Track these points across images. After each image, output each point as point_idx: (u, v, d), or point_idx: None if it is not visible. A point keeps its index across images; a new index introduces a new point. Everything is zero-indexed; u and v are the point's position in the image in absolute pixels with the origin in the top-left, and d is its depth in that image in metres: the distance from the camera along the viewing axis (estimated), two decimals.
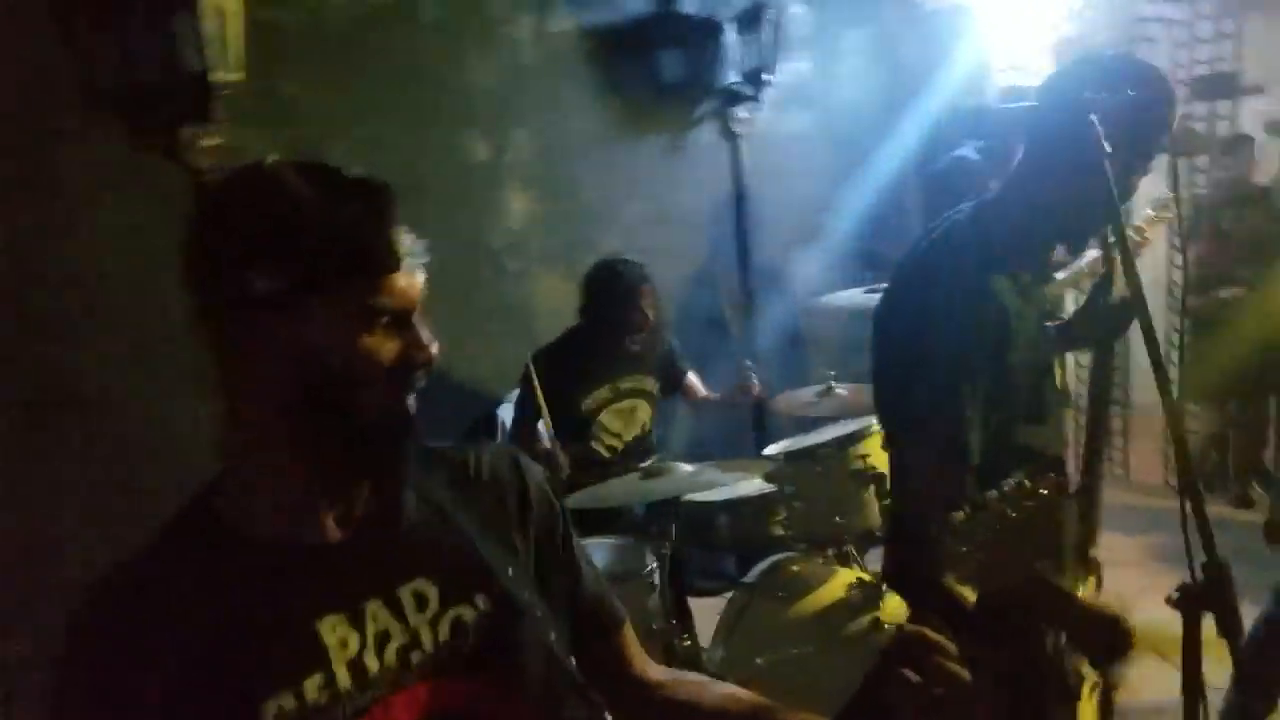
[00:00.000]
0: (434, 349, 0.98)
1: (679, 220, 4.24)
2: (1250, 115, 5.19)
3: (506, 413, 3.43)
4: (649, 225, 4.10)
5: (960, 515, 1.13)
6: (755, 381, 3.26)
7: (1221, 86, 5.31)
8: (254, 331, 0.93)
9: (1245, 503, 4.47)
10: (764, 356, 4.27)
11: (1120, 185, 1.45)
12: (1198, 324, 4.33)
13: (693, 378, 3.39)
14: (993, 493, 1.15)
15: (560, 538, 1.17)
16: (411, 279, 0.97)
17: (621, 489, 2.31)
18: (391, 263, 0.94)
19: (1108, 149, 1.36)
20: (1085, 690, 1.73)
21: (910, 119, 4.87)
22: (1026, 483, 1.17)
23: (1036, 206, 1.62)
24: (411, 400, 0.99)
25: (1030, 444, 1.68)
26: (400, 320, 0.96)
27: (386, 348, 0.95)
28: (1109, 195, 1.37)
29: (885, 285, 1.80)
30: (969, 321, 1.56)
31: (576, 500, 2.29)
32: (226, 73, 2.73)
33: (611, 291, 2.99)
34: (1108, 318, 1.75)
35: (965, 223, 1.67)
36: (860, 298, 3.06)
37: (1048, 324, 1.77)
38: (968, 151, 4.39)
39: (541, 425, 2.87)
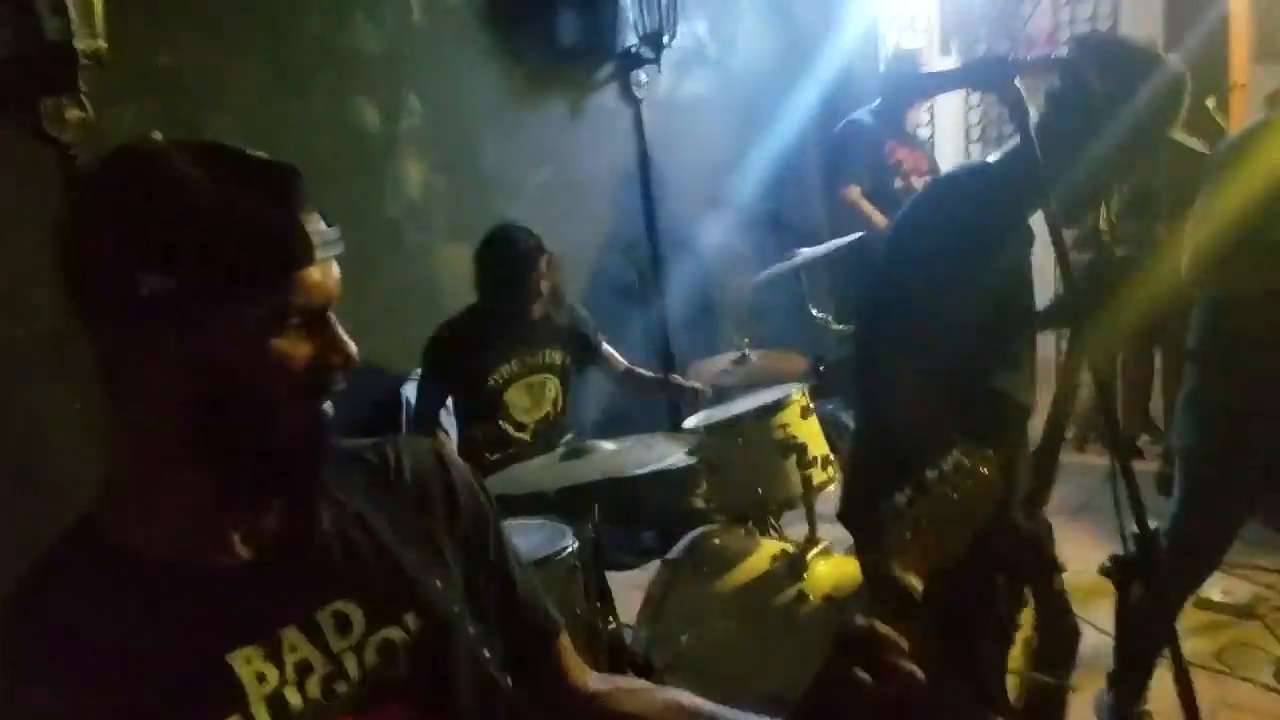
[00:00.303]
0: (352, 348, 0.89)
1: (584, 186, 4.15)
2: None
3: (411, 391, 3.32)
4: (553, 192, 4.00)
5: (901, 499, 1.12)
6: (701, 387, 3.17)
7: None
8: (144, 338, 0.82)
9: (1134, 453, 4.67)
10: (674, 324, 4.24)
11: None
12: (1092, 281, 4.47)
13: (608, 349, 3.32)
14: (932, 472, 1.14)
15: (492, 541, 1.09)
16: (326, 271, 0.86)
17: (541, 471, 2.24)
18: (303, 256, 0.83)
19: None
20: (1019, 637, 1.78)
21: (808, 81, 4.88)
22: (965, 461, 1.16)
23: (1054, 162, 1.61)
24: (327, 407, 0.90)
25: (1004, 389, 1.71)
26: (314, 319, 0.86)
27: (299, 351, 0.85)
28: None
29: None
30: (998, 245, 1.62)
31: (492, 484, 2.21)
32: (90, 40, 2.51)
33: (503, 260, 2.89)
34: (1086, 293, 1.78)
35: (967, 185, 1.72)
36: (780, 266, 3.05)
37: None
38: (862, 115, 4.43)
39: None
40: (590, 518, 2.29)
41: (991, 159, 1.75)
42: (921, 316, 1.61)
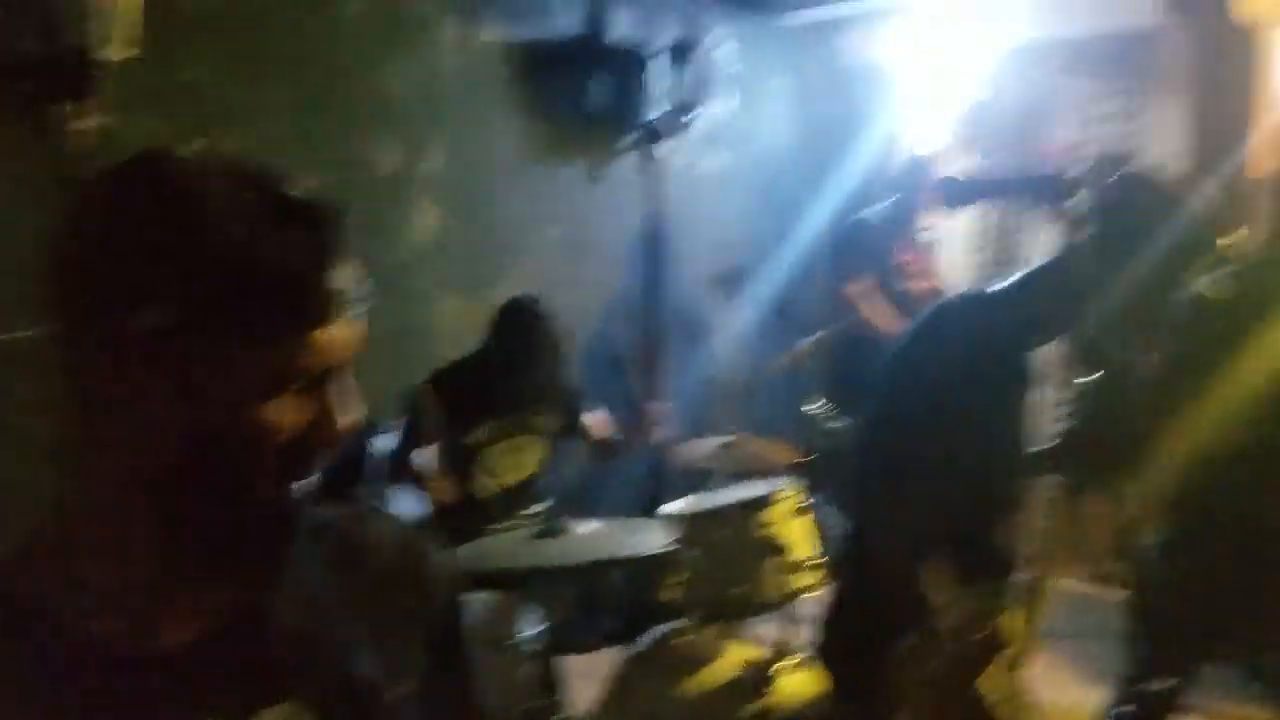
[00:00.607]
0: (355, 417, 0.78)
1: (594, 250, 4.12)
2: None
3: (384, 443, 3.23)
4: (563, 252, 3.97)
5: (914, 642, 1.06)
6: (660, 419, 3.12)
7: (1122, 163, 5.49)
8: (124, 377, 0.71)
9: (1105, 579, 4.57)
10: (671, 401, 4.17)
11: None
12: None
13: (589, 420, 3.25)
14: (946, 621, 1.08)
15: (454, 648, 1.00)
16: (349, 331, 0.75)
17: (514, 548, 2.14)
18: (327, 311, 0.72)
19: None
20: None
21: (824, 172, 4.89)
22: (977, 610, 1.10)
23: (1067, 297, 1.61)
24: (311, 482, 0.79)
25: (997, 536, 1.64)
26: (320, 381, 0.76)
27: (294, 417, 0.74)
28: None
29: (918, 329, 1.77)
30: (968, 419, 1.56)
31: (463, 555, 2.12)
32: (117, 50, 2.48)
33: (519, 338, 2.86)
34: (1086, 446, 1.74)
35: (971, 319, 1.67)
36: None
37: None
38: (872, 213, 4.43)
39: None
40: (557, 603, 2.19)
41: (997, 288, 1.69)
42: (913, 452, 1.55)
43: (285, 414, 0.74)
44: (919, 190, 4.38)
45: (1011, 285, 1.67)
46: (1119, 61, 5.35)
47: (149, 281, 0.69)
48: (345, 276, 0.75)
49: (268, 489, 0.77)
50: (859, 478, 1.77)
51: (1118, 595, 3.78)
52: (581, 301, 4.01)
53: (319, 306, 0.72)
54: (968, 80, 5.20)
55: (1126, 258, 1.54)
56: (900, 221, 4.37)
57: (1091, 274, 1.57)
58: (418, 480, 2.88)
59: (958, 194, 1.72)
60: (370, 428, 3.22)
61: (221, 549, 0.79)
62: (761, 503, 2.55)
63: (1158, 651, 2.18)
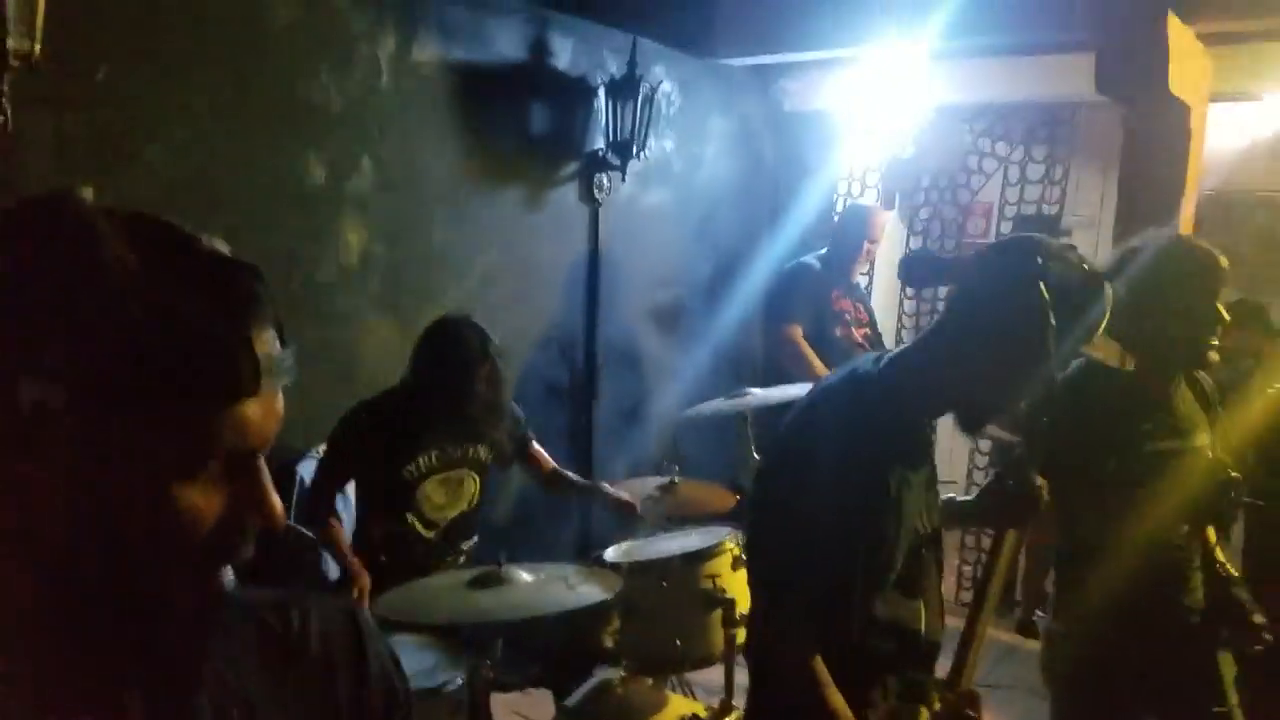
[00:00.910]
0: (278, 508, 0.68)
1: (529, 278, 4.00)
2: None
3: (308, 469, 3.04)
4: (498, 278, 3.83)
5: None
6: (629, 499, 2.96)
7: (1041, 228, 5.64)
8: (11, 456, 0.60)
9: (1030, 631, 4.61)
10: (600, 433, 4.07)
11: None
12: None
13: (538, 447, 3.10)
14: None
15: None
16: (269, 406, 0.66)
17: (447, 597, 1.99)
18: (244, 386, 0.63)
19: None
20: None
21: (763, 216, 4.90)
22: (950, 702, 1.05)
23: (957, 378, 1.52)
24: (229, 577, 0.68)
25: (896, 617, 1.56)
26: (238, 463, 0.66)
27: (210, 505, 0.64)
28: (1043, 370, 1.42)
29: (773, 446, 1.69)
30: (856, 506, 1.46)
31: (388, 607, 1.95)
32: (16, 40, 2.28)
33: (447, 358, 2.66)
34: (1013, 504, 1.67)
35: (864, 396, 1.54)
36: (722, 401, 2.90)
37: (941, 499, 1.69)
38: (811, 259, 4.44)
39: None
40: (490, 653, 2.05)
41: (890, 366, 1.60)
42: (799, 582, 1.48)
43: (203, 499, 0.64)
44: (858, 238, 4.41)
45: (908, 367, 1.56)
46: (1044, 129, 5.55)
47: (35, 349, 0.59)
48: (265, 343, 0.65)
49: (180, 585, 0.65)
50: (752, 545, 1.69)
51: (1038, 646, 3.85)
52: (516, 327, 3.88)
53: (233, 377, 0.63)
54: (894, 135, 5.30)
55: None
56: (838, 269, 4.39)
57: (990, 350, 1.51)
58: (327, 532, 2.69)
59: (920, 274, 1.67)
60: (298, 452, 3.04)
61: (132, 656, 0.67)
62: (704, 554, 2.47)
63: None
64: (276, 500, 0.68)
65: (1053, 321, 1.37)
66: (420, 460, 2.77)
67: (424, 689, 2.10)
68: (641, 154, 4.11)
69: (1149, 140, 3.90)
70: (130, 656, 0.67)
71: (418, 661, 2.21)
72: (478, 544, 2.94)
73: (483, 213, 3.78)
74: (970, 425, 1.59)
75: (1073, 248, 1.50)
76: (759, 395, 3.18)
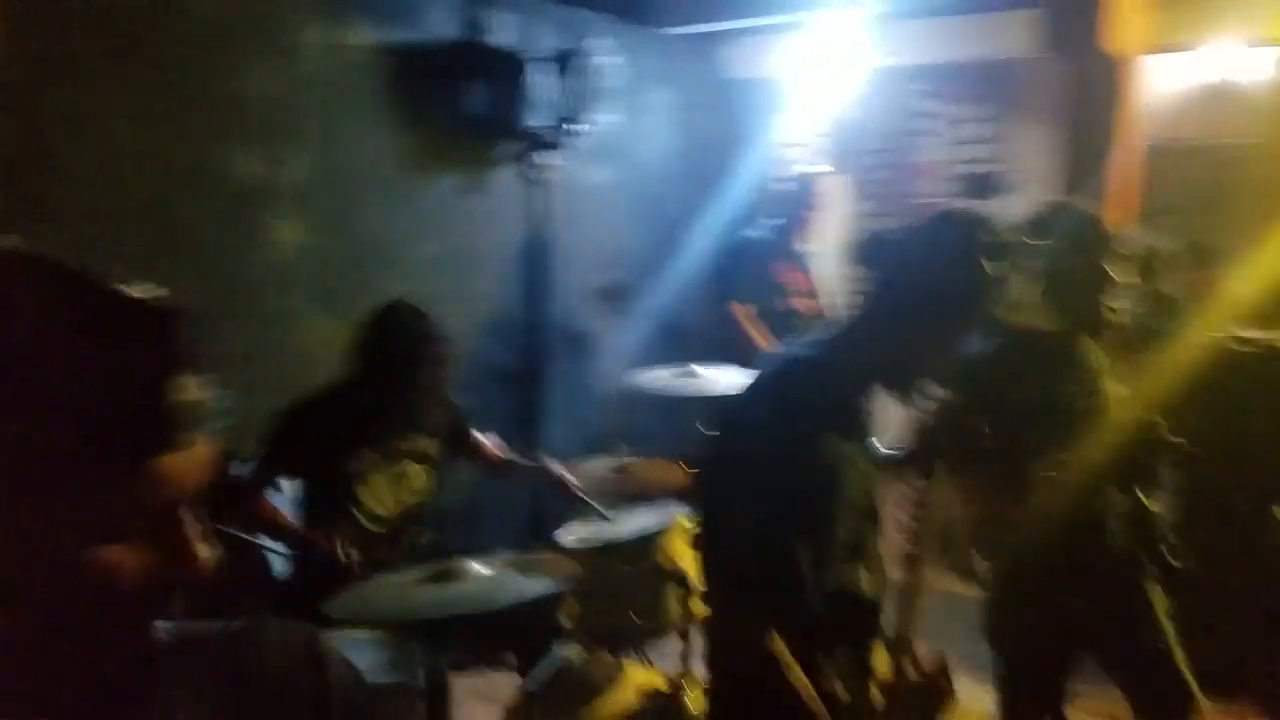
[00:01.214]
0: (205, 555, 0.64)
1: (471, 264, 3.94)
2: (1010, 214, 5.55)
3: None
4: (438, 267, 3.77)
5: None
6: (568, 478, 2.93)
7: (988, 186, 5.67)
8: None
9: (969, 575, 4.67)
10: (551, 419, 4.04)
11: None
12: None
13: (479, 437, 3.05)
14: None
15: None
16: (194, 456, 0.64)
17: (403, 593, 1.94)
18: (167, 437, 0.61)
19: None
20: None
21: (707, 189, 4.86)
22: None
23: (891, 350, 1.57)
24: (164, 628, 0.64)
25: (841, 585, 1.59)
26: (167, 516, 0.63)
27: (137, 561, 0.62)
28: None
29: (717, 423, 1.70)
30: (797, 482, 1.50)
31: (343, 609, 1.91)
32: None
33: (394, 346, 2.61)
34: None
35: (800, 374, 1.59)
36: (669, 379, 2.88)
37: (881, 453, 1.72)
38: (754, 232, 4.43)
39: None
40: (448, 648, 2.02)
41: (821, 341, 1.62)
42: (753, 570, 1.49)
43: (119, 560, 0.62)
44: (802, 208, 4.40)
45: (839, 340, 1.61)
46: (987, 87, 5.56)
47: None
48: (193, 390, 0.63)
49: (116, 645, 0.64)
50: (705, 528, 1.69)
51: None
52: (460, 317, 3.82)
53: (162, 430, 0.60)
54: (838, 98, 5.28)
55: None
56: (781, 241, 4.37)
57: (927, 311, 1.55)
58: (274, 525, 2.63)
59: (875, 254, 1.70)
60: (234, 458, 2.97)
61: (68, 700, 0.63)
62: (660, 533, 2.46)
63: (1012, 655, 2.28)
64: (202, 548, 0.64)
65: (980, 288, 1.46)
66: (363, 455, 2.71)
67: (382, 685, 2.07)
68: (582, 130, 4.05)
69: (1090, 95, 3.92)
70: (77, 703, 0.63)
71: (374, 658, 2.17)
72: (430, 536, 2.90)
73: (421, 198, 3.72)
74: (900, 390, 1.63)
75: (991, 218, 1.57)
76: (703, 375, 3.15)
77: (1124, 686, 2.26)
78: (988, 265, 1.48)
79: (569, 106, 3.98)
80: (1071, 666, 2.30)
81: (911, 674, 1.62)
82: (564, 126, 4.01)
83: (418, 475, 2.84)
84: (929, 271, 1.51)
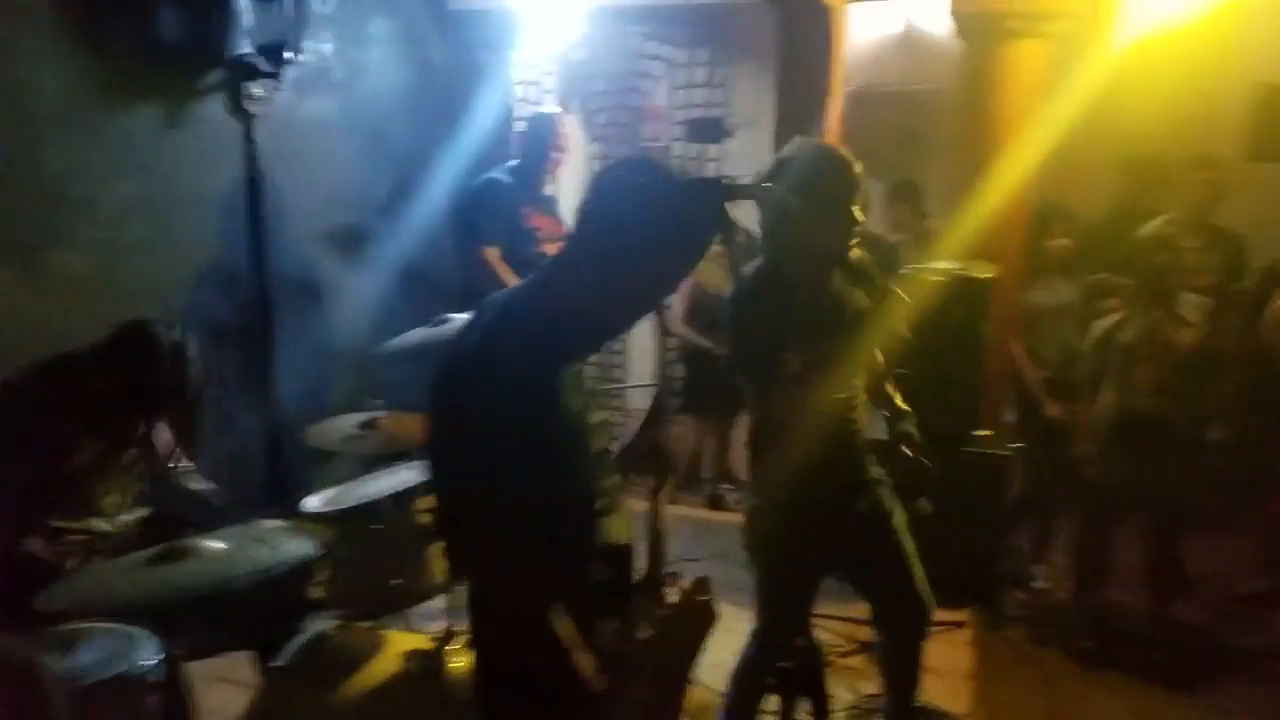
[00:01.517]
0: None
1: (177, 207, 3.53)
2: (732, 157, 5.80)
3: None
4: (137, 211, 3.35)
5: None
6: None
7: (711, 130, 5.89)
8: None
9: (718, 504, 4.98)
10: (283, 375, 3.77)
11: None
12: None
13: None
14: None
15: None
16: None
17: (128, 577, 1.74)
18: None
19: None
20: None
21: (441, 126, 4.65)
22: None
23: (594, 300, 1.52)
24: None
25: (602, 536, 1.59)
26: None
27: None
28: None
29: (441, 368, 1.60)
30: (534, 428, 1.45)
31: (61, 599, 1.68)
32: None
33: (139, 377, 2.43)
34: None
35: (522, 316, 1.54)
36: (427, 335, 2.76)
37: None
38: (500, 174, 4.30)
39: None
40: (185, 633, 1.84)
41: (528, 299, 1.58)
42: (494, 534, 1.46)
43: None
44: (545, 148, 4.32)
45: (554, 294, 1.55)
46: (706, 30, 5.71)
47: None
48: None
49: None
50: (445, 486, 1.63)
51: (728, 518, 4.14)
52: (166, 266, 3.45)
53: None
54: (564, 37, 5.21)
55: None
56: (528, 184, 4.29)
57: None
58: None
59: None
60: None
61: None
62: (417, 491, 2.37)
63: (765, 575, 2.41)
64: None
65: (675, 233, 1.44)
66: (88, 447, 2.41)
67: (115, 675, 1.86)
68: (295, 59, 3.73)
69: (799, 41, 4.14)
70: None
71: (104, 647, 1.94)
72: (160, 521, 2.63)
73: (110, 136, 3.27)
74: (594, 342, 1.64)
75: (668, 163, 1.57)
76: (461, 321, 3.05)
77: (870, 600, 2.48)
78: (673, 215, 1.45)
79: (280, 33, 3.65)
80: (818, 585, 2.47)
81: (675, 599, 1.64)
82: (273, 55, 3.67)
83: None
84: (608, 221, 1.48)
